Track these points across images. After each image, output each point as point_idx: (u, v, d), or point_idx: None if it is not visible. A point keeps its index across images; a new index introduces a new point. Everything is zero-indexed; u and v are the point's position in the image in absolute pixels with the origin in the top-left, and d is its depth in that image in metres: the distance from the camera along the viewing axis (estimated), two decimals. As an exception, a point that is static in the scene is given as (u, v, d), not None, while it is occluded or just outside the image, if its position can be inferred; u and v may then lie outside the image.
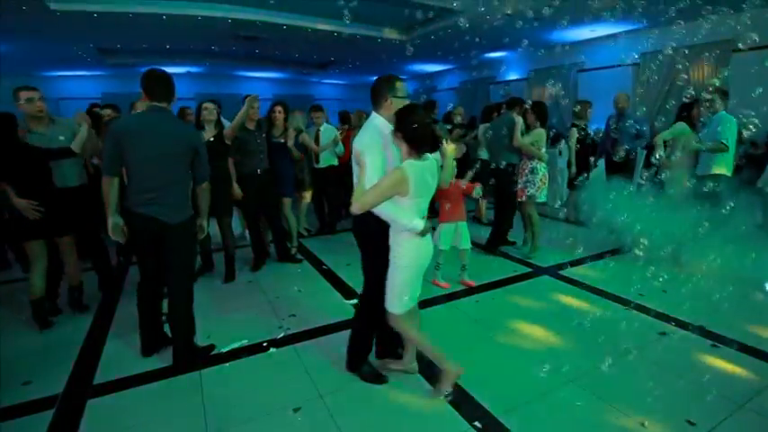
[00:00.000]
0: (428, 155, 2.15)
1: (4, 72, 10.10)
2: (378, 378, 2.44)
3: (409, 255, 2.14)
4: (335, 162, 5.45)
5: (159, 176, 2.42)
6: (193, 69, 11.99)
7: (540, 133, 4.36)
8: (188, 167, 2.57)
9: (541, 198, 4.43)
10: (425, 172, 2.11)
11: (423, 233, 2.11)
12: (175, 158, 2.47)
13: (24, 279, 4.17)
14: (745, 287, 3.33)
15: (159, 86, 2.43)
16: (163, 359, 2.67)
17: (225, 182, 3.85)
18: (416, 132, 2.04)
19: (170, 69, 9.57)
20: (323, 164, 5.37)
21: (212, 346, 2.79)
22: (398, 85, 2.22)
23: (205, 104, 3.88)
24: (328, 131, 5.32)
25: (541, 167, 4.34)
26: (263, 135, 4.21)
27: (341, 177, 5.27)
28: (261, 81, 13.54)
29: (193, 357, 2.63)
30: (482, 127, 5.66)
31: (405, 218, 2.06)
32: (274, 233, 4.53)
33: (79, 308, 3.40)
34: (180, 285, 2.59)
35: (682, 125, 4.24)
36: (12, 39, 7.51)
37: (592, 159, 5.49)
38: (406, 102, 2.22)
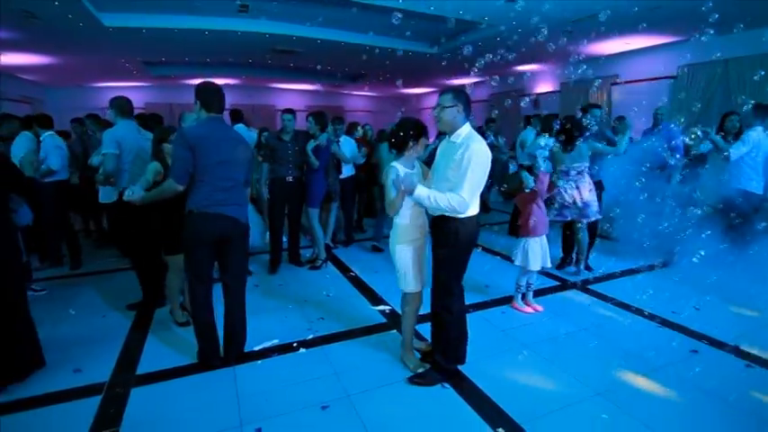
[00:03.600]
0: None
1: (56, 83, 10.91)
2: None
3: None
4: (353, 172, 5.53)
5: (231, 178, 2.61)
6: (231, 81, 12.53)
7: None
8: (246, 171, 2.81)
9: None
10: None
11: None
12: (241, 163, 2.69)
13: (72, 275, 4.50)
14: None
15: (216, 99, 2.62)
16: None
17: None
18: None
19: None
20: (344, 174, 5.42)
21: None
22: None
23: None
24: (347, 143, 5.42)
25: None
26: (296, 147, 4.39)
27: (357, 187, 5.66)
28: (294, 93, 13.97)
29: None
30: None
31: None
32: (290, 237, 4.74)
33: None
34: (239, 288, 2.77)
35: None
36: (65, 52, 8.07)
37: None
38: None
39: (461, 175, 2.24)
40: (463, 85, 13.40)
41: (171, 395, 2.45)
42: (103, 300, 3.82)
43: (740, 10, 5.13)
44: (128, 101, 3.61)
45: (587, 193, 4.06)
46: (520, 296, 3.58)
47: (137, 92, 12.00)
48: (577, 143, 4.03)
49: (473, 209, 2.38)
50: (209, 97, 2.59)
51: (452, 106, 2.34)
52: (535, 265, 3.40)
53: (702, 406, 2.29)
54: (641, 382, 2.52)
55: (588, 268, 4.40)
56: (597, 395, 2.40)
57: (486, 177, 2.35)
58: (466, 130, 2.37)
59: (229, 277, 2.72)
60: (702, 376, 2.54)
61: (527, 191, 3.42)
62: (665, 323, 3.25)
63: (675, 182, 5.33)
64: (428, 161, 2.99)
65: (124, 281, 4.06)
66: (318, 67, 9.49)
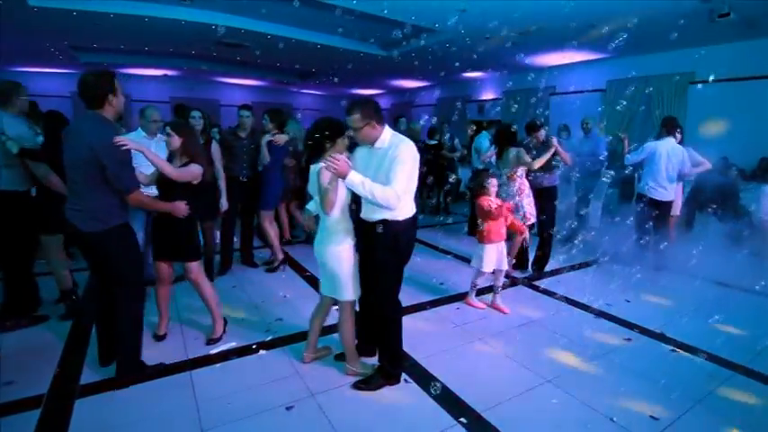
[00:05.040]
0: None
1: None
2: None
3: None
4: None
5: (73, 181, 2.40)
6: (170, 72, 11.84)
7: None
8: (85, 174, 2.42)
9: None
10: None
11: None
12: (79, 165, 2.34)
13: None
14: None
15: (88, 91, 2.29)
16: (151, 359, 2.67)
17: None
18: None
19: (146, 71, 9.52)
20: None
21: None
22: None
23: (192, 113, 3.99)
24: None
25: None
26: (252, 145, 4.26)
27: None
28: (239, 88, 13.49)
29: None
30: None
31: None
32: (242, 238, 4.62)
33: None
34: (118, 296, 2.54)
35: None
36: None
37: None
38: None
39: (394, 172, 2.20)
40: (408, 89, 13.73)
41: (121, 405, 2.30)
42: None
43: (659, 32, 5.74)
44: None
45: (518, 197, 4.21)
46: (474, 293, 3.74)
47: (62, 79, 10.99)
48: (506, 151, 4.21)
49: (410, 209, 2.36)
50: (80, 91, 2.29)
51: (365, 125, 2.27)
52: (488, 268, 3.54)
53: (638, 387, 2.54)
54: (585, 367, 2.76)
55: (532, 267, 4.68)
56: (547, 382, 2.59)
57: (416, 176, 2.32)
58: (388, 134, 2.34)
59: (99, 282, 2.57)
60: (636, 361, 2.83)
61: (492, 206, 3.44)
62: (602, 314, 3.56)
63: (603, 187, 5.88)
64: None
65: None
66: (263, 62, 9.23)
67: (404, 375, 2.59)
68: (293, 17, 6.91)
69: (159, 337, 2.98)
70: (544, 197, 4.50)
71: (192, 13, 6.70)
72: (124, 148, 2.24)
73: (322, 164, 2.22)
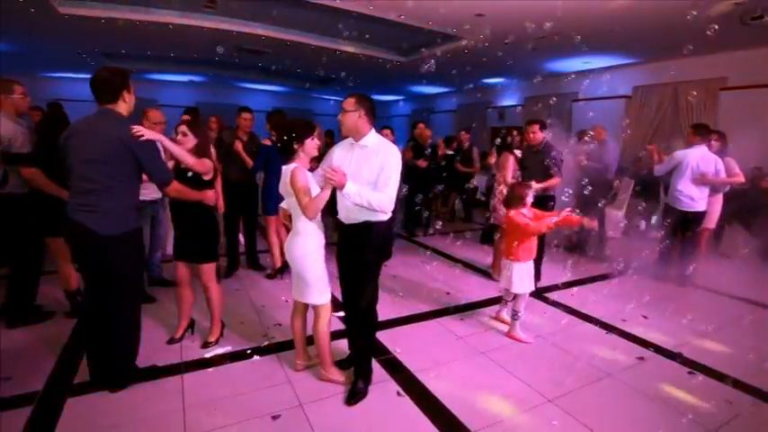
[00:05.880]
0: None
1: (6, 71, 10.23)
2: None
3: None
4: None
5: (90, 180, 2.35)
6: (196, 78, 12.16)
7: None
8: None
9: None
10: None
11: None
12: (103, 162, 2.33)
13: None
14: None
15: (102, 87, 2.32)
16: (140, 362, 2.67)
17: None
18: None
19: (172, 77, 9.78)
20: None
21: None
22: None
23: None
24: None
25: None
26: (254, 148, 4.25)
27: None
28: (262, 93, 13.73)
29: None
30: None
31: None
32: (246, 241, 4.63)
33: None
34: (106, 308, 2.43)
35: None
36: (16, 39, 7.60)
37: None
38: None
39: (386, 178, 2.24)
40: (428, 95, 13.62)
41: (111, 406, 2.30)
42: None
43: (689, 36, 5.48)
44: None
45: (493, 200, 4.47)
46: (517, 325, 3.22)
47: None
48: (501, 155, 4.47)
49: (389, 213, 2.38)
50: (94, 86, 2.30)
51: (353, 111, 2.28)
52: (521, 288, 3.13)
53: (649, 413, 2.37)
54: (591, 387, 2.59)
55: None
56: (548, 401, 2.44)
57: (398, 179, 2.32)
58: (373, 136, 2.35)
59: (89, 293, 2.39)
60: (647, 382, 2.64)
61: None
62: (614, 330, 3.37)
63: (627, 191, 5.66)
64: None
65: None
66: (284, 67, 9.37)
67: (397, 388, 2.51)
68: (311, 24, 6.98)
69: (174, 341, 2.95)
70: (540, 206, 4.34)
71: (213, 19, 6.86)
72: (143, 138, 2.24)
73: (292, 165, 2.28)
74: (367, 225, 2.32)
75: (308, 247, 2.37)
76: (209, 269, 2.86)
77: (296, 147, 2.33)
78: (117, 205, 2.26)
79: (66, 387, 2.44)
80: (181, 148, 2.59)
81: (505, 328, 3.35)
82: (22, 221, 3.07)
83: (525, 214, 3.17)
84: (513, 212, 3.18)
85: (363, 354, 2.51)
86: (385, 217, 2.34)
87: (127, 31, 7.08)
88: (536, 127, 4.16)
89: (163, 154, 2.50)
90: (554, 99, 8.06)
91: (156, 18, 6.58)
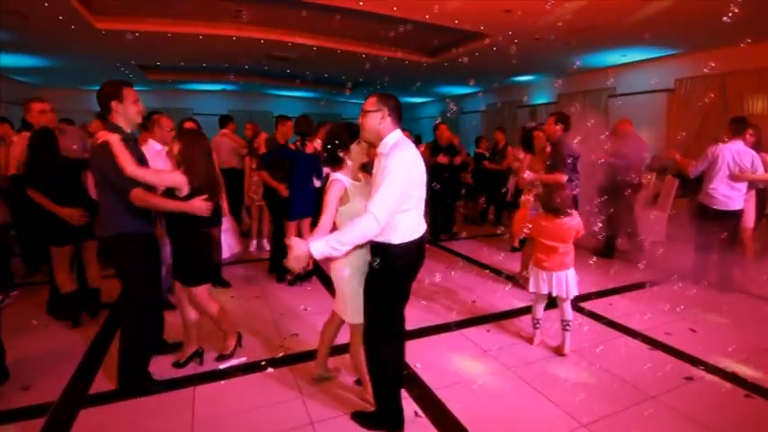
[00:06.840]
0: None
1: (50, 85, 10.83)
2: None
3: None
4: None
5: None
6: (228, 87, 12.48)
7: None
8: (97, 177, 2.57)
9: None
10: None
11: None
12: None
13: (27, 285, 4.27)
14: None
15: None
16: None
17: None
18: None
19: (206, 87, 10.08)
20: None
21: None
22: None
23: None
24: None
25: None
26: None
27: None
28: (291, 100, 13.92)
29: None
30: None
31: None
32: (272, 247, 4.67)
33: (93, 313, 3.43)
34: (124, 311, 2.66)
35: None
36: (58, 54, 8.01)
37: None
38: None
39: (375, 188, 1.88)
40: (456, 95, 13.34)
41: (122, 418, 2.27)
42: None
43: (736, 23, 5.04)
44: None
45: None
46: (539, 332, 3.12)
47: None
48: None
49: (410, 231, 1.99)
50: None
51: (376, 110, 1.97)
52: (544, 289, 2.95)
53: (696, 441, 2.11)
54: (631, 411, 2.33)
55: None
56: (582, 426, 2.21)
57: (404, 190, 1.91)
58: (394, 138, 1.99)
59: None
60: (696, 406, 2.36)
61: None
62: (659, 346, 3.07)
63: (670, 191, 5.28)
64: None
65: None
66: (312, 74, 9.45)
67: (415, 407, 2.35)
68: (336, 29, 6.95)
69: (179, 364, 2.77)
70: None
71: (242, 28, 6.97)
72: (100, 141, 2.26)
73: (334, 176, 2.14)
74: (376, 248, 2.02)
75: (348, 263, 2.16)
76: (191, 293, 2.60)
77: (341, 154, 2.14)
78: (104, 209, 2.43)
79: (81, 397, 2.43)
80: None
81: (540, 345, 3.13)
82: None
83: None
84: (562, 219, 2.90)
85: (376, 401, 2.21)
86: (397, 240, 1.96)
87: (159, 42, 7.32)
88: (551, 120, 4.10)
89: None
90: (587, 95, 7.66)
91: (185, 29, 6.76)
